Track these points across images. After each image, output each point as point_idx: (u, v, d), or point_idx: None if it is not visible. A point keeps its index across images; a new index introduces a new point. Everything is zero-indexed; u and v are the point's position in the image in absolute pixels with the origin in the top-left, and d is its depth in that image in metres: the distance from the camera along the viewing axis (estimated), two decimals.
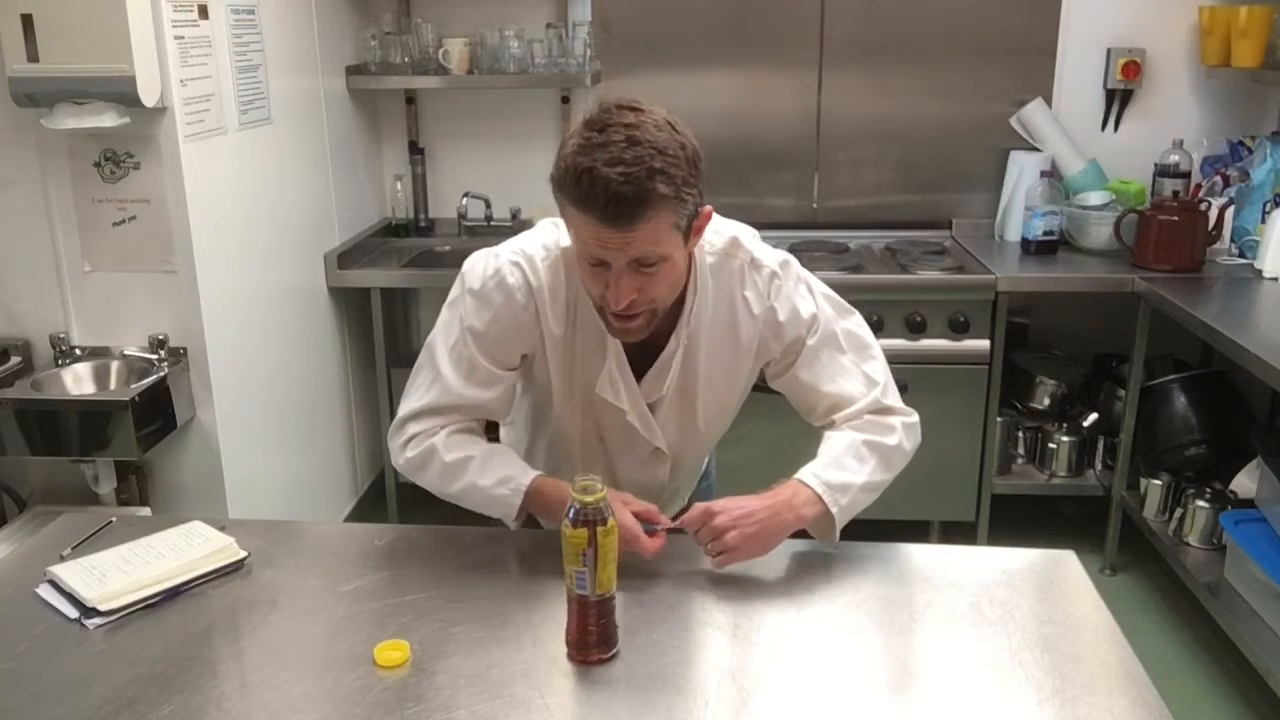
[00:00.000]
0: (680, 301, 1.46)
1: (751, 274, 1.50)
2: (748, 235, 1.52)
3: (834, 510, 1.47)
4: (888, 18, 3.38)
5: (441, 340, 1.51)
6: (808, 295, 1.53)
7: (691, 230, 1.36)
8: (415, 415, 1.52)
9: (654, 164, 1.25)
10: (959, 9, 3.36)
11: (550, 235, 1.48)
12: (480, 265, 1.48)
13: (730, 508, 1.42)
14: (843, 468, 1.49)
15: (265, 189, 2.75)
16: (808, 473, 1.49)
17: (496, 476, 1.48)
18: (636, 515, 1.42)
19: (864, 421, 1.54)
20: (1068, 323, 3.48)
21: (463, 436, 1.52)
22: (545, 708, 1.20)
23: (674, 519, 1.46)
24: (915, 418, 1.58)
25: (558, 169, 1.29)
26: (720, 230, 1.50)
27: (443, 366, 1.49)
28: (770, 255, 1.52)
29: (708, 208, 1.37)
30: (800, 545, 1.53)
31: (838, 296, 1.59)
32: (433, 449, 1.50)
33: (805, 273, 1.55)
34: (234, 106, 2.54)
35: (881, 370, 1.57)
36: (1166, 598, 3.00)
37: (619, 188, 1.24)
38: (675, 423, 1.57)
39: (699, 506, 1.44)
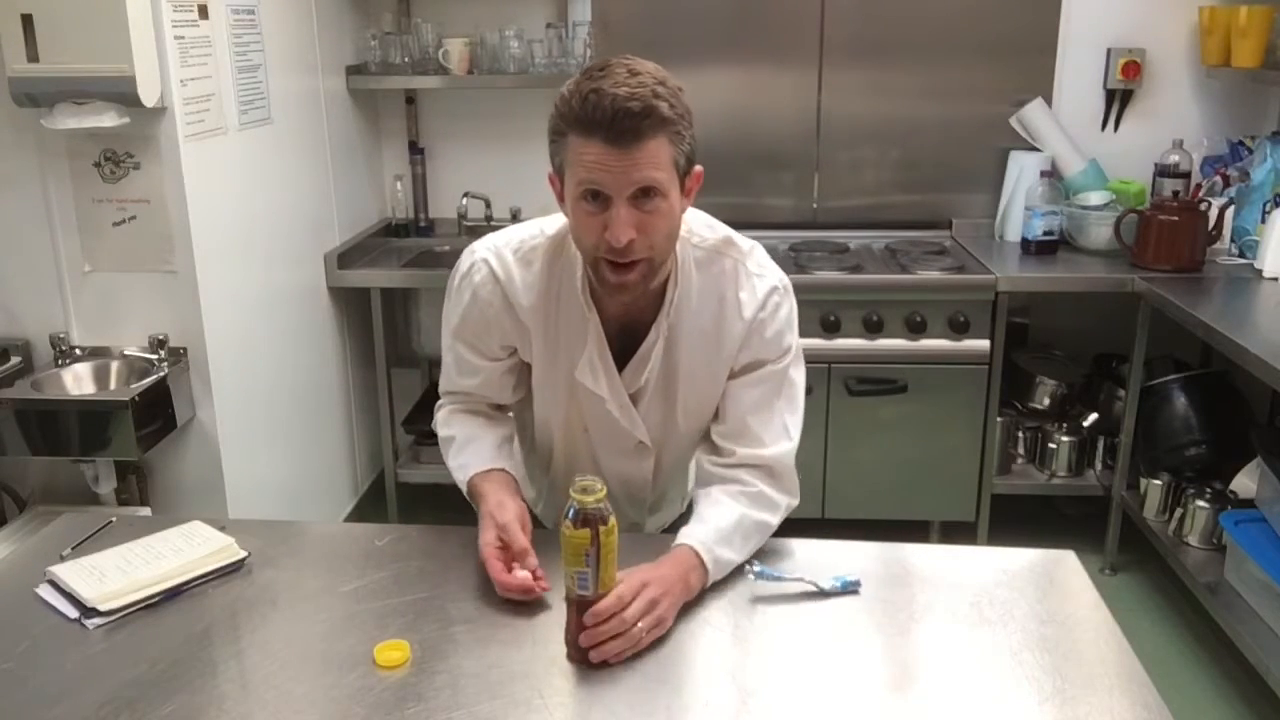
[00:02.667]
0: (662, 293, 1.46)
1: (751, 278, 1.49)
2: (746, 242, 1.52)
3: (710, 580, 1.41)
4: (888, 17, 3.38)
5: (444, 332, 1.60)
6: (792, 328, 1.52)
7: (687, 178, 1.37)
8: (441, 394, 1.66)
9: (657, 89, 1.29)
10: (959, 9, 3.36)
11: (533, 227, 1.52)
12: (460, 262, 1.54)
13: (650, 579, 1.32)
14: (731, 545, 1.44)
15: (265, 189, 2.75)
16: (700, 543, 1.41)
17: (458, 461, 1.57)
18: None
19: (757, 492, 1.49)
20: (1068, 323, 3.48)
21: (459, 415, 1.63)
22: (545, 708, 1.20)
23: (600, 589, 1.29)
24: (796, 501, 1.54)
25: (560, 100, 1.32)
26: (714, 226, 1.51)
27: (445, 356, 1.61)
28: (774, 270, 1.52)
29: (699, 168, 1.38)
30: (800, 546, 1.54)
31: (800, 344, 1.56)
32: (435, 424, 1.65)
33: (793, 304, 1.53)
34: (234, 106, 2.54)
35: (798, 429, 1.55)
36: (1166, 598, 3.00)
37: (625, 103, 1.26)
38: (657, 415, 1.56)
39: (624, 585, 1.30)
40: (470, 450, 1.57)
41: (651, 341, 1.49)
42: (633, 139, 1.28)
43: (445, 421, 1.63)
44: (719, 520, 1.45)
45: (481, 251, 1.51)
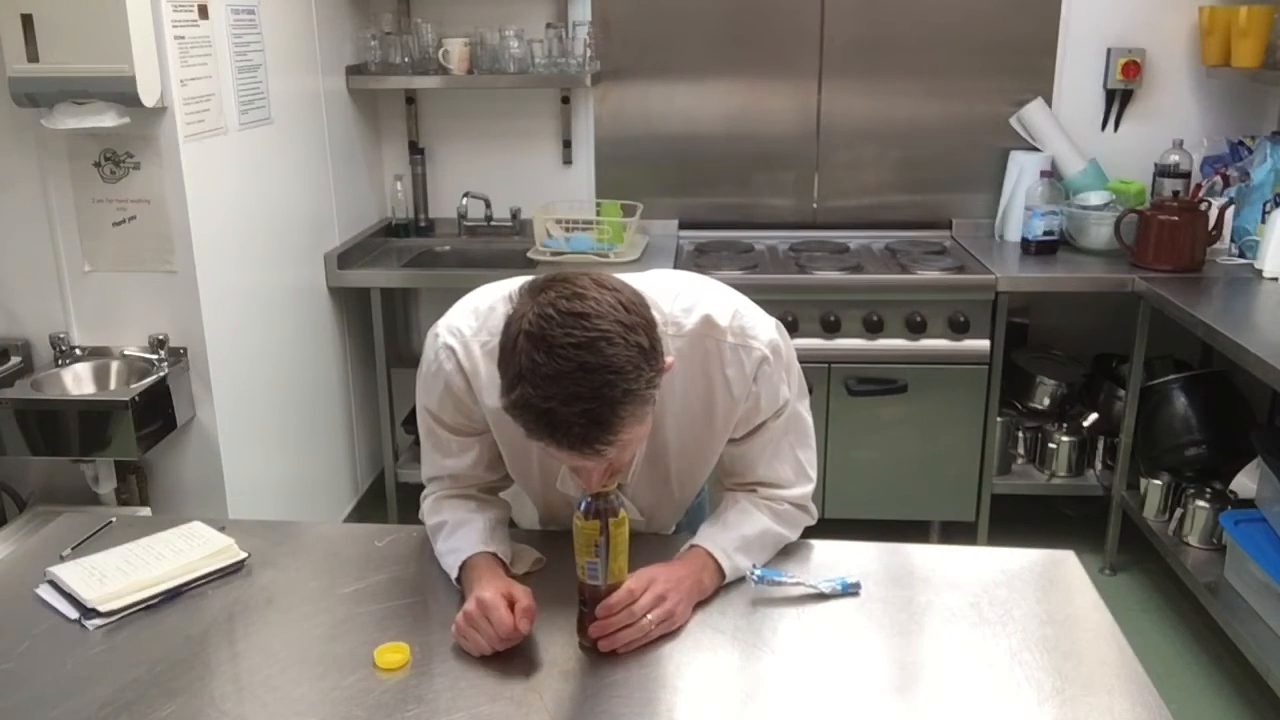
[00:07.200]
0: None
1: (736, 352, 1.39)
2: (725, 311, 1.41)
3: (725, 579, 1.44)
4: (888, 17, 3.38)
5: (420, 418, 1.51)
6: (785, 378, 1.45)
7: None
8: (426, 483, 1.56)
9: (615, 392, 1.13)
10: (959, 10, 3.36)
11: (495, 315, 1.37)
12: (427, 345, 1.45)
13: (658, 576, 1.35)
14: (749, 554, 1.46)
15: (265, 189, 2.75)
16: (719, 549, 1.43)
17: (448, 545, 1.46)
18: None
19: (785, 510, 1.51)
20: (1068, 323, 3.49)
21: (448, 501, 1.52)
22: (545, 709, 1.20)
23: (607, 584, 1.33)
24: (814, 521, 1.56)
25: (508, 397, 1.16)
26: (691, 308, 1.40)
27: (425, 442, 1.52)
28: (762, 331, 1.42)
29: (669, 360, 1.24)
30: (800, 546, 1.54)
31: (801, 373, 1.52)
32: (422, 513, 1.55)
33: (787, 348, 1.47)
34: (234, 106, 2.54)
35: (813, 462, 1.54)
36: (1166, 598, 3.00)
37: (584, 429, 1.14)
38: (647, 489, 1.51)
39: (627, 585, 1.33)
40: (461, 535, 1.45)
41: None
42: (599, 452, 1.17)
43: (433, 509, 1.52)
44: (744, 528, 1.47)
45: (445, 337, 1.41)
